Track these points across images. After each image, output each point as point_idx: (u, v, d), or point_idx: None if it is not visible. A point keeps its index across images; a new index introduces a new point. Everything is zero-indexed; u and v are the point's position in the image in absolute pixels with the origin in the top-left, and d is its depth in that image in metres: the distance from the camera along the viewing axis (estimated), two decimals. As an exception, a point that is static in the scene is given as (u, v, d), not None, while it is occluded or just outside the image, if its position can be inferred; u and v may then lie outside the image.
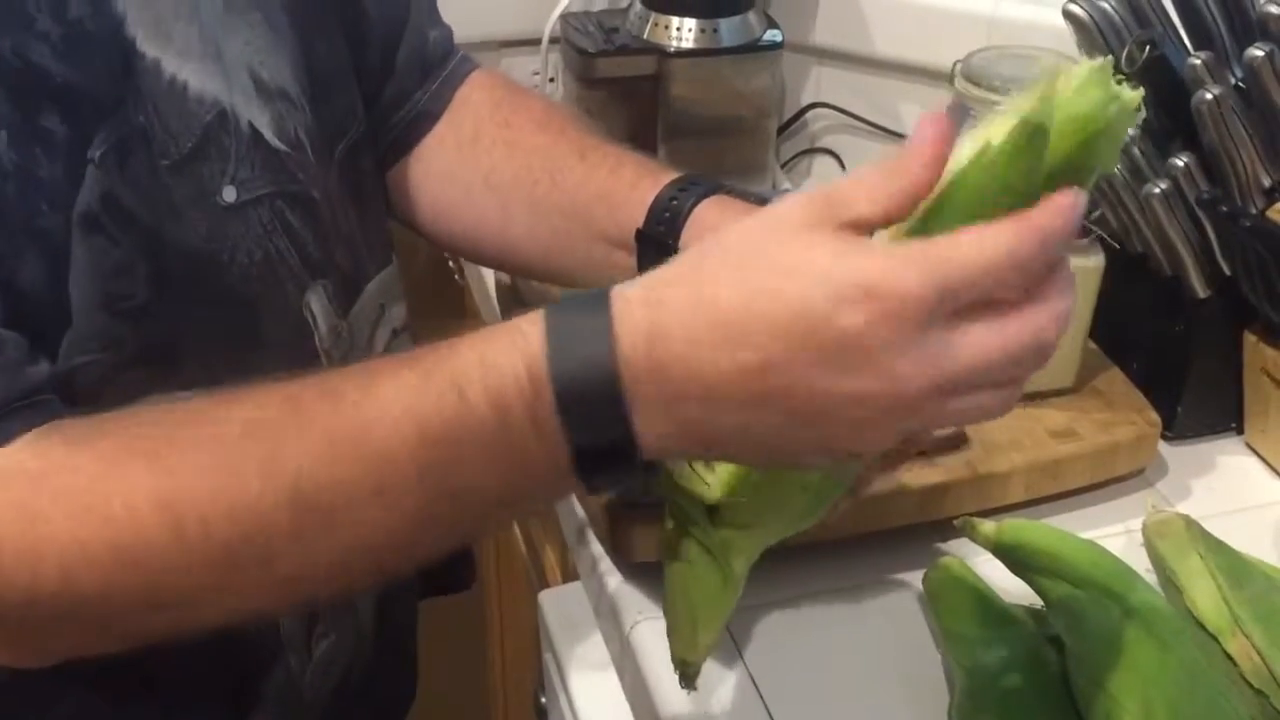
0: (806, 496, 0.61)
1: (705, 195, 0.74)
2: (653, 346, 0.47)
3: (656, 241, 0.74)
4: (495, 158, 0.82)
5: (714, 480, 0.59)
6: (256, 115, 0.67)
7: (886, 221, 0.49)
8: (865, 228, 0.48)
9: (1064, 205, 0.48)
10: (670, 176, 0.77)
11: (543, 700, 0.88)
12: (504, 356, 0.48)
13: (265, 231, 0.67)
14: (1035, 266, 0.48)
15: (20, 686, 0.63)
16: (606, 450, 0.48)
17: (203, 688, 0.70)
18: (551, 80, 1.27)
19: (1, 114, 0.56)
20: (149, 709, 0.69)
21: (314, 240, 0.70)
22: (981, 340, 0.47)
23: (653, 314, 0.47)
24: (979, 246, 0.47)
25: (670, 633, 0.63)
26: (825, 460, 0.51)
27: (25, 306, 0.57)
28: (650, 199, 0.75)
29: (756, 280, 0.47)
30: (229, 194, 0.65)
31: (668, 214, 0.74)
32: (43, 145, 0.57)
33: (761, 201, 0.79)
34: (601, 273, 0.80)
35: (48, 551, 0.51)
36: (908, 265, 0.46)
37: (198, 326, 0.65)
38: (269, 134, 0.67)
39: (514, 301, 0.94)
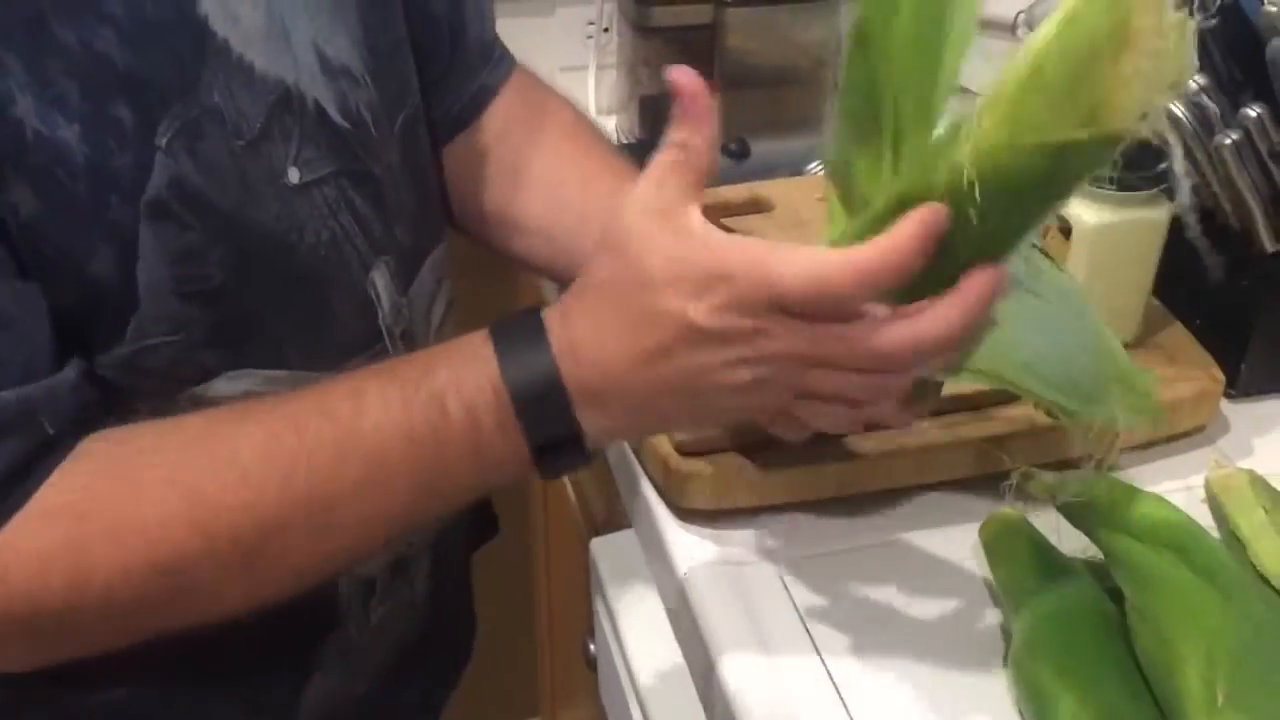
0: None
1: None
2: (577, 358, 0.56)
3: None
4: (555, 208, 0.82)
5: None
6: (321, 93, 0.66)
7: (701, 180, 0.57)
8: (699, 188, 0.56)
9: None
10: None
11: (592, 648, 0.89)
12: (471, 376, 0.58)
13: (331, 211, 0.67)
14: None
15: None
16: (560, 444, 0.58)
17: (265, 653, 0.71)
18: (606, 30, 1.26)
19: (74, 107, 0.56)
20: (212, 675, 0.71)
21: (377, 218, 0.70)
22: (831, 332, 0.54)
23: (569, 330, 0.57)
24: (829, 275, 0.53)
25: None
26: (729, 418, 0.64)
27: (95, 291, 0.59)
28: None
29: (636, 289, 0.55)
30: (293, 175, 0.65)
31: None
32: (114, 135, 0.57)
33: None
34: None
35: (94, 577, 0.57)
36: (744, 253, 0.54)
37: (271, 307, 0.66)
38: (333, 111, 0.67)
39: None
